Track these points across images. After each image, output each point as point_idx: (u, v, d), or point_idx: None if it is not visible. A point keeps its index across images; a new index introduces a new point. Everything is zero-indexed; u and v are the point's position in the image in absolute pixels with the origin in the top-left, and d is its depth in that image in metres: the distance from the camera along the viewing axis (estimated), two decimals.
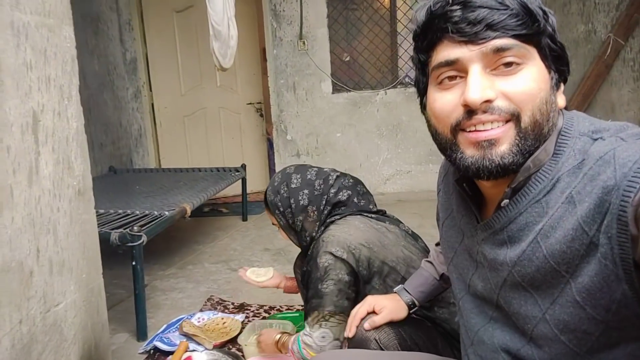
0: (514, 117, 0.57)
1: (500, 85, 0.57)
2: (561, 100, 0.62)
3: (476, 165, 0.59)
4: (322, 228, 1.40)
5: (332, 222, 1.39)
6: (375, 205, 1.51)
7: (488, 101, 0.57)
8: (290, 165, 1.59)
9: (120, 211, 2.27)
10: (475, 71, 0.58)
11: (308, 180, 1.46)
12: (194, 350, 1.68)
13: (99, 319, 1.25)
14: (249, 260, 2.72)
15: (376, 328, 1.08)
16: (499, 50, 0.57)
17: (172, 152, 4.45)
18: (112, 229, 1.86)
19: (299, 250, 1.60)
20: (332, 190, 1.42)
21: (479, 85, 0.57)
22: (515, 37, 0.57)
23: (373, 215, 1.41)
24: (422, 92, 0.67)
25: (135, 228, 1.81)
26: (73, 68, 1.19)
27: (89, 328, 1.19)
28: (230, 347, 1.76)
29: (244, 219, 3.63)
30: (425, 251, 1.39)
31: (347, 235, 1.30)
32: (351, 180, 1.48)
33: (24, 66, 1.01)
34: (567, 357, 0.57)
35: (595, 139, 0.57)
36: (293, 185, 1.46)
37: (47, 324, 1.03)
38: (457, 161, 0.61)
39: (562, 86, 0.63)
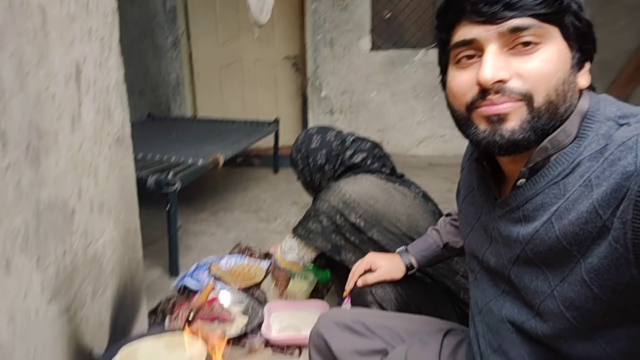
0: (526, 98, 0.58)
1: (516, 65, 0.58)
2: (584, 80, 0.61)
3: (487, 139, 0.60)
4: (333, 182, 1.50)
5: (343, 176, 1.52)
6: (393, 167, 1.57)
7: (501, 81, 0.58)
8: (314, 126, 1.69)
9: (157, 157, 2.38)
10: (491, 51, 0.58)
11: (327, 141, 1.56)
12: (220, 290, 1.81)
13: (135, 256, 1.36)
14: (277, 212, 2.83)
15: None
16: (516, 30, 0.57)
17: (208, 103, 4.54)
18: (150, 174, 1.98)
19: None
20: (348, 152, 1.52)
21: (492, 65, 0.58)
22: (534, 16, 0.56)
23: (384, 176, 1.48)
24: (443, 70, 0.68)
25: (170, 175, 1.91)
26: (114, 20, 1.24)
27: (125, 264, 1.30)
28: (255, 291, 1.88)
29: (275, 172, 3.72)
30: (434, 213, 1.44)
31: (348, 188, 1.42)
32: (368, 144, 1.55)
33: (67, 18, 1.07)
34: (569, 332, 0.59)
35: (622, 125, 0.56)
36: (313, 146, 1.57)
37: (87, 257, 1.15)
38: (471, 136, 0.63)
39: (587, 65, 0.62)
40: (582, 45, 0.60)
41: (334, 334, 0.88)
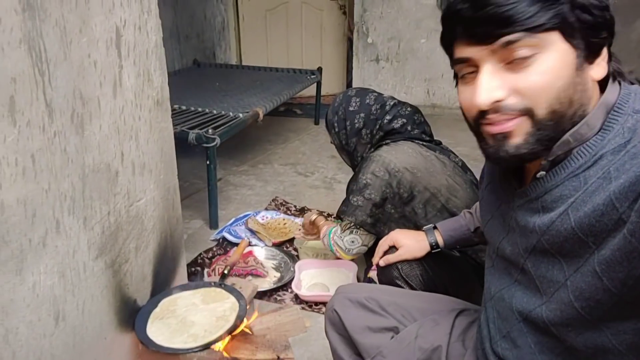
0: (528, 113, 0.57)
1: (513, 80, 0.57)
2: (598, 72, 0.58)
3: (494, 156, 0.62)
4: (372, 149, 1.46)
5: (383, 144, 1.45)
6: (432, 135, 1.52)
7: (497, 101, 0.57)
8: (353, 87, 1.62)
9: (199, 109, 2.43)
10: (485, 71, 0.58)
11: (366, 104, 1.49)
12: (255, 245, 1.89)
13: (174, 214, 1.43)
14: (315, 166, 2.86)
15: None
16: (508, 45, 0.55)
17: (253, 48, 4.50)
18: (190, 128, 2.03)
19: None
20: (387, 117, 1.45)
21: (486, 87, 0.57)
22: (527, 30, 0.54)
23: (424, 143, 1.43)
24: (456, 75, 0.68)
25: (210, 131, 1.96)
26: None
27: (165, 220, 1.38)
28: (288, 246, 1.95)
29: (316, 123, 3.71)
30: (472, 184, 1.41)
31: (392, 158, 1.37)
32: (409, 109, 1.48)
33: None
34: (576, 321, 0.60)
35: None
36: (351, 108, 1.51)
37: (130, 216, 1.22)
38: (481, 149, 0.64)
39: (602, 53, 0.58)
40: (592, 37, 0.57)
41: (347, 310, 0.92)
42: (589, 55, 0.58)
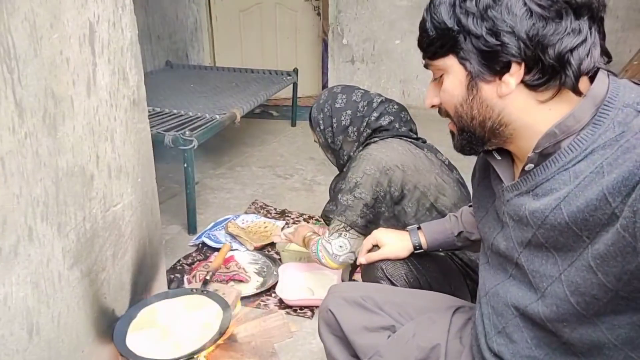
0: (451, 119, 0.70)
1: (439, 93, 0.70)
2: (502, 90, 0.62)
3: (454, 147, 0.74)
4: (361, 148, 1.43)
5: (371, 142, 1.42)
6: (417, 133, 1.50)
7: (435, 105, 0.71)
8: (339, 84, 1.58)
9: (174, 111, 2.36)
10: (430, 82, 0.72)
11: (352, 101, 1.46)
12: (236, 250, 1.85)
13: (153, 219, 1.38)
14: (294, 168, 2.82)
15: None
16: (426, 66, 0.70)
17: (226, 49, 4.43)
18: (166, 131, 1.97)
19: None
20: (375, 115, 1.42)
21: (427, 94, 0.72)
22: (430, 57, 0.67)
23: (412, 141, 1.42)
24: None
25: (187, 132, 1.90)
26: None
27: (144, 226, 1.32)
28: (269, 250, 1.91)
29: (293, 125, 3.68)
30: (459, 182, 1.40)
31: (383, 156, 1.33)
32: (395, 107, 1.46)
33: None
34: (572, 316, 0.60)
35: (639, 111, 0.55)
36: (337, 105, 1.47)
37: (107, 222, 1.16)
38: None
39: (512, 70, 0.60)
40: (488, 61, 0.62)
41: (342, 310, 0.89)
42: (489, 74, 0.62)
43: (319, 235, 1.54)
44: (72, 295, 1.05)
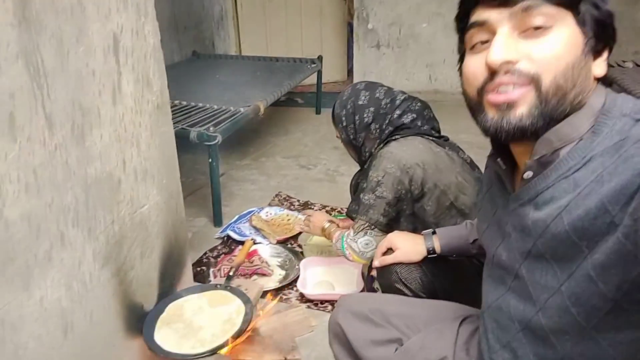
0: (534, 81, 0.58)
1: (526, 47, 0.58)
2: (599, 69, 0.60)
3: (495, 126, 0.61)
4: (382, 145, 1.43)
5: (392, 140, 1.42)
6: (439, 130, 1.49)
7: (510, 62, 0.58)
8: (362, 81, 1.58)
9: (200, 104, 2.41)
10: (502, 33, 0.59)
11: (376, 98, 1.46)
12: (259, 243, 1.90)
13: (178, 217, 1.43)
14: (317, 158, 2.84)
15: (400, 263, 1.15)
16: (528, 9, 0.58)
17: (252, 37, 4.44)
18: (191, 126, 2.02)
19: None
20: (397, 112, 1.42)
21: (501, 46, 0.59)
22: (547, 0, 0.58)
23: (434, 139, 1.41)
24: (461, 59, 0.69)
25: (211, 128, 1.94)
26: None
27: (169, 225, 1.38)
28: (292, 243, 1.95)
29: (317, 112, 3.69)
30: (480, 181, 1.39)
31: (404, 154, 1.34)
32: (419, 104, 1.45)
33: None
34: (574, 329, 0.61)
35: (637, 120, 0.56)
36: (360, 102, 1.47)
37: (134, 223, 1.22)
38: (481, 123, 0.64)
39: (604, 54, 0.60)
40: (599, 33, 0.60)
41: (350, 324, 0.91)
42: (595, 48, 0.60)
43: (337, 224, 1.57)
44: (103, 294, 1.11)
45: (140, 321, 1.25)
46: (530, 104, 0.58)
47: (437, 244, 1.12)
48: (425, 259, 1.14)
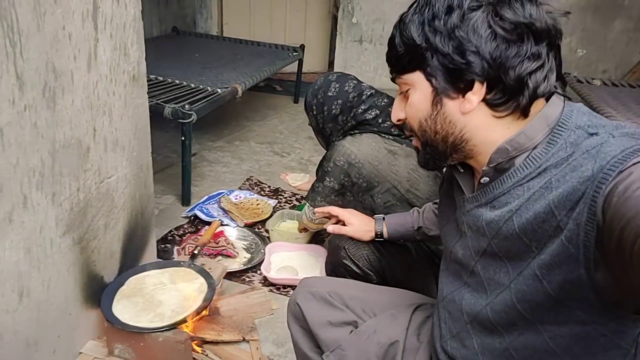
0: (414, 132, 0.71)
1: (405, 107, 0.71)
2: (465, 107, 0.65)
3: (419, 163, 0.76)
4: (341, 137, 1.50)
5: (349, 134, 1.51)
6: None
7: (401, 120, 0.72)
8: (335, 72, 1.62)
9: (177, 81, 2.37)
10: (397, 96, 0.73)
11: (344, 91, 1.53)
12: (226, 225, 1.90)
13: (146, 192, 1.42)
14: (292, 146, 2.85)
15: (349, 238, 1.23)
16: (394, 80, 0.71)
17: (235, 19, 4.38)
18: (167, 102, 1.99)
19: None
20: (362, 107, 1.49)
21: (394, 108, 0.73)
22: (397, 72, 0.69)
23: (391, 137, 1.46)
24: None
25: (186, 106, 1.92)
26: None
27: (136, 198, 1.37)
28: (260, 227, 1.96)
29: (296, 101, 3.68)
30: (437, 177, 1.45)
31: (354, 149, 1.43)
32: (385, 100, 1.50)
33: None
34: (520, 321, 0.65)
35: (591, 134, 0.59)
36: (330, 93, 1.54)
37: (100, 193, 1.20)
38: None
39: (476, 86, 0.63)
40: (452, 77, 0.64)
41: (309, 304, 0.94)
42: (453, 91, 0.65)
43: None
44: (62, 261, 1.10)
45: (99, 292, 1.24)
46: (421, 149, 0.73)
47: (385, 228, 1.19)
48: (373, 241, 1.21)
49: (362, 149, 1.42)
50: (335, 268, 1.28)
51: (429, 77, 0.65)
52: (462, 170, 0.74)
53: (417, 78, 0.67)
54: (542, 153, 0.62)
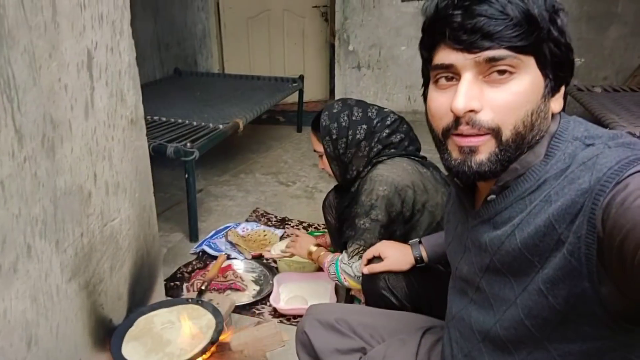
0: (495, 132, 0.60)
1: (489, 95, 0.59)
2: (556, 105, 0.62)
3: (457, 169, 0.63)
4: (369, 167, 1.45)
5: (380, 162, 1.43)
6: (420, 151, 1.53)
7: (472, 111, 0.59)
8: (348, 97, 1.61)
9: (179, 121, 2.44)
10: (466, 79, 0.59)
11: (368, 117, 1.47)
12: (234, 258, 1.90)
13: (150, 231, 1.44)
14: (297, 175, 2.87)
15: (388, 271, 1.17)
16: (492, 60, 0.58)
17: (235, 56, 4.50)
18: (169, 141, 2.03)
19: None
20: (387, 131, 1.44)
21: (465, 94, 0.59)
22: (510, 48, 0.57)
23: (419, 159, 1.45)
24: (426, 83, 0.69)
25: (188, 144, 1.96)
26: (125, 3, 1.24)
27: (141, 239, 1.38)
28: (267, 259, 1.96)
29: (299, 130, 3.73)
30: None
31: (395, 176, 1.36)
32: (405, 126, 1.49)
33: (78, 6, 1.08)
34: (529, 340, 0.64)
35: (588, 145, 0.59)
36: (354, 118, 1.46)
37: (104, 236, 1.22)
38: (444, 161, 0.65)
39: (561, 89, 0.63)
40: (558, 72, 0.61)
41: (316, 332, 0.93)
42: (553, 87, 0.61)
43: (326, 249, 1.57)
44: (70, 307, 1.11)
45: (108, 335, 1.25)
46: (489, 151, 0.60)
47: (424, 252, 1.15)
48: (413, 268, 1.16)
49: (401, 174, 1.36)
50: (370, 297, 1.23)
51: (542, 66, 0.59)
52: (462, 185, 0.72)
53: (530, 63, 0.58)
54: (541, 166, 0.62)
